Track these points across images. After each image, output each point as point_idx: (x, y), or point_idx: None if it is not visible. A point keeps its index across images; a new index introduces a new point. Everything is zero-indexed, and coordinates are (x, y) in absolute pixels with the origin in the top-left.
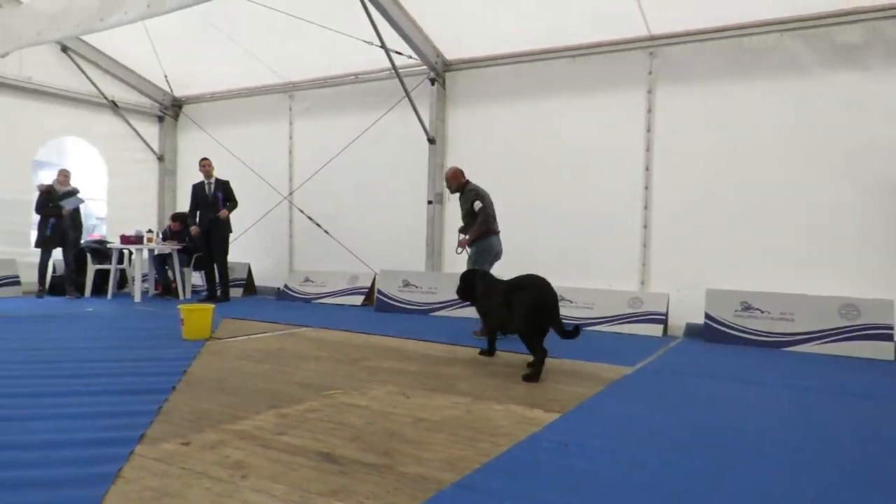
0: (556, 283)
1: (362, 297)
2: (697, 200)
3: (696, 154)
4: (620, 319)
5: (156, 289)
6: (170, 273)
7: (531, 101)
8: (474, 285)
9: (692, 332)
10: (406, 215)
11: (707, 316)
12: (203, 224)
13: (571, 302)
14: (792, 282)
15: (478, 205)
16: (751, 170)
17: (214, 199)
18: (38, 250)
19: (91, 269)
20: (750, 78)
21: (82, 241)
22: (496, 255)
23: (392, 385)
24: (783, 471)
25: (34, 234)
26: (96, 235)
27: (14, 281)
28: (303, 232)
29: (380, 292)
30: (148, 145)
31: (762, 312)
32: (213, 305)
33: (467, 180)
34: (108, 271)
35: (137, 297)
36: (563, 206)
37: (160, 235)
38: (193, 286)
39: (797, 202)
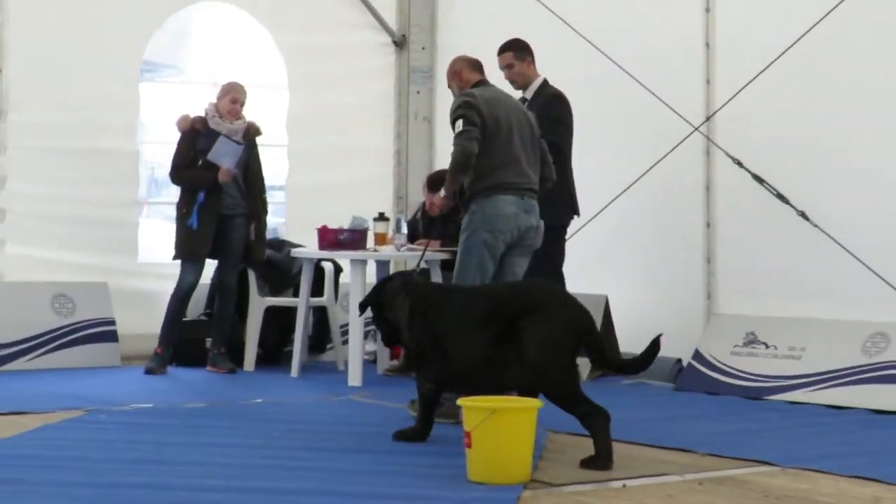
0: None
1: None
2: None
3: None
4: None
5: (392, 356)
6: None
7: None
8: (387, 298)
9: None
10: None
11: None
12: None
13: None
14: None
15: (459, 126)
16: None
17: None
18: (178, 264)
19: (256, 303)
20: None
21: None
22: (516, 236)
23: None
24: None
25: (150, 230)
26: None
27: (106, 332)
28: (740, 214)
29: None
30: (374, 13)
31: None
32: (538, 403)
33: (480, 80)
34: (289, 312)
35: (355, 377)
36: None
37: (402, 227)
38: None
39: None
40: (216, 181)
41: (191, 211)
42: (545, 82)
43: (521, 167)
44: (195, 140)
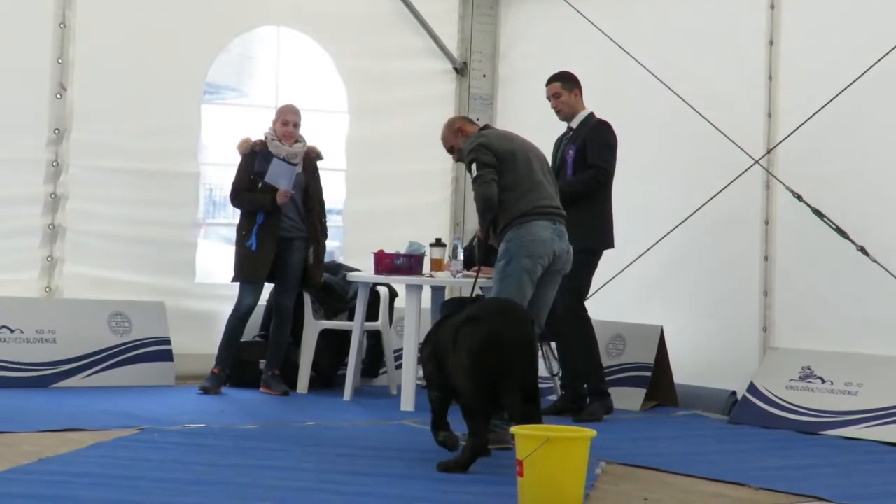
0: None
1: None
2: None
3: None
4: None
5: None
6: None
7: None
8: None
9: None
10: None
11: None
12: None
13: None
14: None
15: (474, 171)
16: None
17: (563, 164)
18: (233, 286)
19: (310, 326)
20: None
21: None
22: (552, 260)
23: None
24: None
25: (208, 251)
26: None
27: (161, 352)
28: (799, 248)
29: None
30: (436, 40)
31: None
32: (591, 433)
33: (482, 126)
34: (343, 336)
35: (408, 402)
36: None
37: (458, 253)
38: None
39: None
40: (275, 203)
41: (250, 233)
42: (591, 114)
43: (547, 191)
44: (254, 163)
